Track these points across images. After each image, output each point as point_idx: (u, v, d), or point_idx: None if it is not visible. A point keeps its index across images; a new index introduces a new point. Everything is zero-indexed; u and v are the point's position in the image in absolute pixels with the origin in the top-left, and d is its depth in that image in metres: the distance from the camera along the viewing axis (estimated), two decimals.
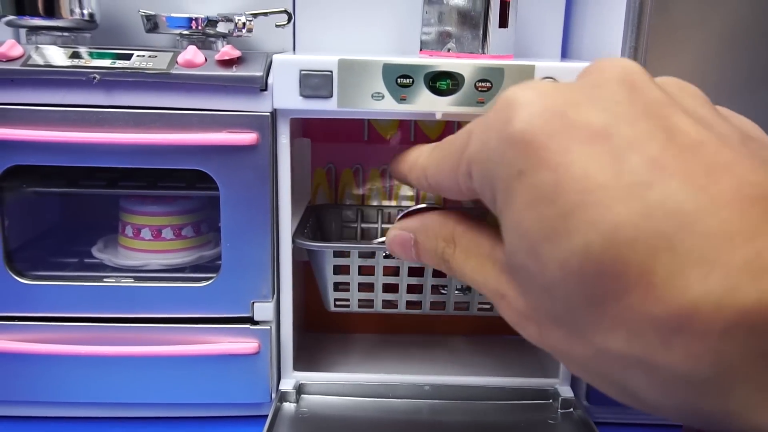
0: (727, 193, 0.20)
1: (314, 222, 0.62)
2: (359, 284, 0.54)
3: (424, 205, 0.36)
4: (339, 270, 0.54)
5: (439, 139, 0.67)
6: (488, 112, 0.26)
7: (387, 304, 0.55)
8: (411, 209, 0.36)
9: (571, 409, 0.54)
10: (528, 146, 0.23)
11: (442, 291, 0.55)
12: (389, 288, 0.55)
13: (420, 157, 0.34)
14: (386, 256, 0.52)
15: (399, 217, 0.36)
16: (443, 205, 0.37)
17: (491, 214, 0.28)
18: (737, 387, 0.19)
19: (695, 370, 0.19)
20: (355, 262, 0.52)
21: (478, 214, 0.32)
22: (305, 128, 0.65)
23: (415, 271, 0.54)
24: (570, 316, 0.23)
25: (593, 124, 0.23)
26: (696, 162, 0.21)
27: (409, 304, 0.54)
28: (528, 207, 0.23)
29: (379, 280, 0.53)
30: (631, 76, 0.24)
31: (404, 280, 0.53)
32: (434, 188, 0.33)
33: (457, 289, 0.55)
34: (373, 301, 0.55)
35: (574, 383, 0.57)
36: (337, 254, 0.53)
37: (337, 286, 0.55)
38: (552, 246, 0.22)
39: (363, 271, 0.54)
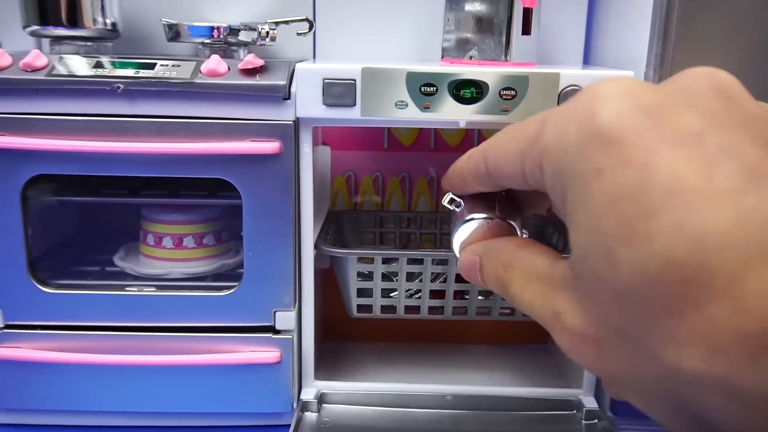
0: None
1: (334, 228, 0.62)
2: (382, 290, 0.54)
3: (483, 216, 0.35)
4: (361, 276, 0.54)
5: (459, 147, 0.67)
6: (568, 102, 0.24)
7: (409, 309, 0.54)
8: (468, 219, 0.35)
9: (596, 420, 0.54)
10: (612, 143, 0.22)
11: (465, 297, 0.54)
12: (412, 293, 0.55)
13: (480, 146, 0.32)
14: (410, 262, 0.52)
15: (459, 226, 0.35)
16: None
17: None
18: None
19: None
20: (378, 268, 0.52)
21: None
22: (325, 135, 0.65)
23: (438, 277, 0.54)
24: (640, 328, 0.21)
25: (687, 127, 0.21)
26: None
27: (432, 310, 0.54)
28: (606, 207, 0.21)
29: (402, 285, 0.53)
30: (728, 87, 0.23)
31: (427, 286, 0.53)
32: (492, 174, 0.31)
33: (479, 295, 0.54)
34: (395, 306, 0.54)
35: (598, 394, 0.56)
36: (361, 260, 0.53)
37: (361, 292, 0.54)
38: (630, 249, 0.20)
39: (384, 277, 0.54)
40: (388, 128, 0.65)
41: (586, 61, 0.65)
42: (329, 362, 0.62)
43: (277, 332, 0.53)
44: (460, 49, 0.56)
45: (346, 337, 0.68)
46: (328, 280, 0.61)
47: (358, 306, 0.55)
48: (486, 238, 0.34)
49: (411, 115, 0.48)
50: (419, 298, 0.54)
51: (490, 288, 0.32)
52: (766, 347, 0.18)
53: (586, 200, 0.22)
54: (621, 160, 0.21)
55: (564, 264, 0.26)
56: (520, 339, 0.67)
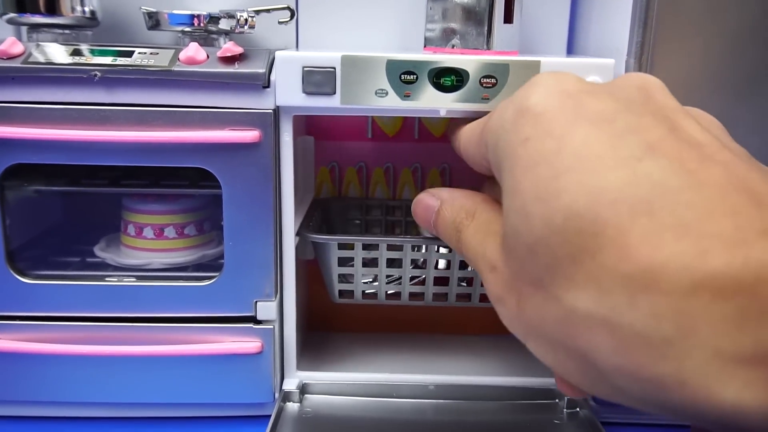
0: (716, 179, 0.21)
1: (319, 216, 0.62)
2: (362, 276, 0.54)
3: None
4: (343, 262, 0.54)
5: (443, 137, 0.66)
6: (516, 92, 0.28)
7: (391, 296, 0.54)
8: None
9: (577, 409, 0.54)
10: (538, 117, 0.25)
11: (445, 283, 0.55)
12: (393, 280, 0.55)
13: (460, 128, 0.37)
14: (390, 248, 0.52)
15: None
16: None
17: None
18: (695, 351, 0.19)
19: (657, 328, 0.20)
20: (359, 253, 0.52)
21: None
22: (309, 126, 0.64)
23: (419, 263, 0.54)
24: (549, 276, 0.24)
25: (602, 109, 0.25)
26: (691, 153, 0.22)
27: (412, 296, 0.54)
28: (527, 169, 0.25)
29: (383, 271, 0.53)
30: (651, 86, 0.27)
31: (407, 272, 0.53)
32: (463, 155, 0.36)
33: (459, 283, 0.54)
34: (377, 292, 0.54)
35: None
36: (342, 246, 0.52)
37: (342, 278, 0.54)
38: (541, 204, 0.23)
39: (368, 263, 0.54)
40: (372, 118, 0.65)
41: (570, 50, 0.65)
42: (313, 353, 0.62)
43: (259, 322, 0.52)
44: (442, 39, 0.56)
45: (331, 328, 0.68)
46: (314, 271, 0.61)
47: (340, 292, 0.55)
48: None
49: (391, 104, 0.47)
50: (401, 284, 0.54)
51: (437, 232, 0.35)
52: (643, 287, 0.20)
53: (513, 166, 0.26)
54: (544, 131, 0.25)
55: None
56: (503, 329, 0.67)
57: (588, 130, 0.24)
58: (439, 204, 0.35)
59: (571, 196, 0.22)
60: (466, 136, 0.35)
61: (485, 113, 0.48)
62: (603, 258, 0.21)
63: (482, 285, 0.54)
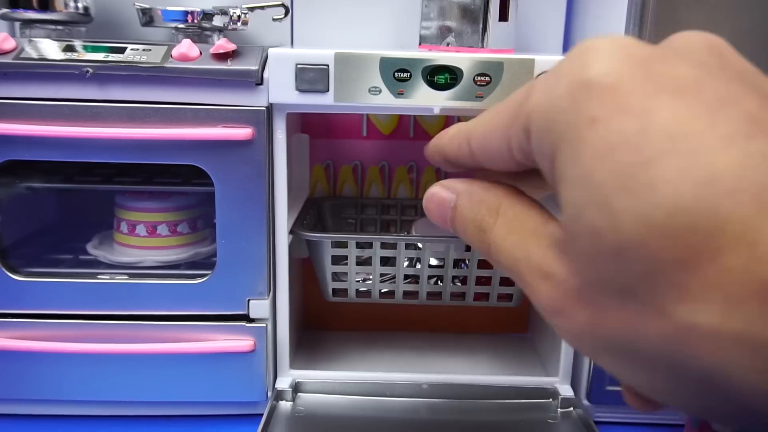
0: None
1: (314, 215, 0.62)
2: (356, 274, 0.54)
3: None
4: (337, 261, 0.54)
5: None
6: (557, 65, 0.23)
7: (385, 294, 0.54)
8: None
9: (571, 408, 0.54)
10: (606, 91, 0.21)
11: (439, 282, 0.54)
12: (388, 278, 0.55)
13: (464, 125, 0.30)
14: (383, 246, 0.52)
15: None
16: None
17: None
18: None
19: None
20: (352, 252, 0.52)
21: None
22: (304, 124, 0.64)
23: (413, 262, 0.54)
24: (645, 285, 0.19)
25: (682, 76, 0.20)
26: None
27: (407, 294, 0.54)
28: (602, 156, 0.20)
29: (377, 269, 0.53)
30: (719, 45, 0.23)
31: (401, 270, 0.53)
32: (477, 154, 0.29)
33: (454, 281, 0.54)
34: (370, 291, 0.54)
35: (573, 382, 0.56)
36: (335, 244, 0.52)
37: (336, 277, 0.54)
38: (631, 198, 0.19)
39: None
40: (367, 116, 0.65)
41: (566, 49, 0.64)
42: (307, 351, 0.62)
43: (251, 321, 0.52)
44: (438, 37, 0.56)
45: (325, 327, 0.67)
46: (308, 269, 0.61)
47: (334, 290, 0.55)
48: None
49: (385, 101, 0.47)
50: (395, 282, 0.54)
51: (457, 232, 0.30)
52: None
53: (578, 152, 0.21)
54: (617, 108, 0.20)
55: (554, 224, 0.24)
56: (498, 328, 0.67)
57: (675, 104, 0.19)
58: (455, 198, 0.29)
59: (672, 187, 0.18)
60: (484, 129, 0.28)
61: (479, 111, 0.48)
62: (727, 261, 0.17)
63: (477, 283, 0.54)
